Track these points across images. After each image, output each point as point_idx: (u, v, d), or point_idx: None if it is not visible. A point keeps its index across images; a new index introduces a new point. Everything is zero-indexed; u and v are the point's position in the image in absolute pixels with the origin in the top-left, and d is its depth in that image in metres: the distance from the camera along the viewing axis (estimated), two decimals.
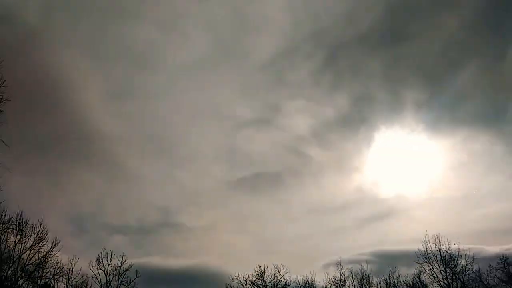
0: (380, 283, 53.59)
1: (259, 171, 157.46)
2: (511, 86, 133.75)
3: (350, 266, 55.02)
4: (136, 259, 58.09)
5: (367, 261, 55.56)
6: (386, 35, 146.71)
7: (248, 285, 56.98)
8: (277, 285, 56.30)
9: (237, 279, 57.23)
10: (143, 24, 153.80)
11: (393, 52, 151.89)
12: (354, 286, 53.93)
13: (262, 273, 57.25)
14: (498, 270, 50.90)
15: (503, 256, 52.13)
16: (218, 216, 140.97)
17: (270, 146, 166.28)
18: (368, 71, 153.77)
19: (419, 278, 51.60)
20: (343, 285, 53.98)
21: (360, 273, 53.73)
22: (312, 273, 56.24)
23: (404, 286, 52.41)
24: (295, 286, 55.77)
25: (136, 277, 53.67)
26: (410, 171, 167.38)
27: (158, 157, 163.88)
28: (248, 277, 57.29)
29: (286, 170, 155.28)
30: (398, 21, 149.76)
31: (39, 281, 48.20)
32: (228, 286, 57.14)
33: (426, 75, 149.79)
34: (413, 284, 51.82)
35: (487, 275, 50.54)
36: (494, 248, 63.11)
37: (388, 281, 52.85)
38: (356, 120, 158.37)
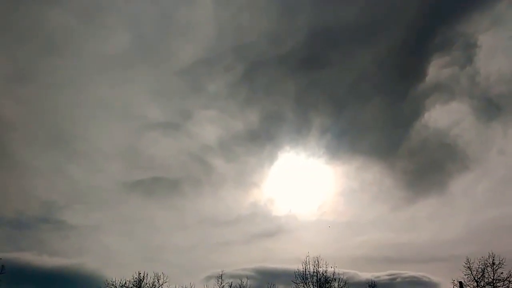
0: None
1: (159, 175, 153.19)
2: (407, 124, 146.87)
3: (231, 281, 54.94)
4: (4, 253, 52.54)
5: (247, 277, 55.98)
6: (304, 60, 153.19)
7: None
8: None
9: (112, 284, 54.12)
10: (61, 9, 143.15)
11: (308, 77, 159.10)
12: None
13: (141, 280, 54.80)
14: None
15: (371, 283, 55.98)
16: (105, 217, 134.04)
17: (174, 152, 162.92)
18: (282, 92, 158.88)
19: None
20: None
21: None
22: (191, 284, 55.13)
23: None
24: None
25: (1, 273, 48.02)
26: (304, 192, 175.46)
27: (52, 148, 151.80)
28: (125, 283, 54.50)
29: (186, 177, 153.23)
30: (318, 49, 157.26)
31: None
32: None
33: (335, 104, 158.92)
34: None
35: None
36: (366, 274, 67.66)
37: None
38: (264, 137, 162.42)
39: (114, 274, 56.31)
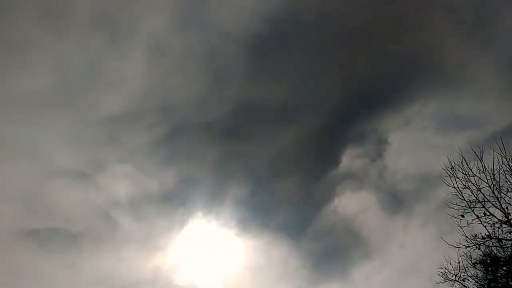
0: None
1: (58, 226, 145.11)
2: (318, 206, 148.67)
3: None
4: None
5: None
6: (228, 130, 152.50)
7: None
8: None
9: None
10: None
11: (230, 147, 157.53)
12: None
13: None
14: None
15: None
16: None
17: (79, 203, 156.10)
18: (201, 157, 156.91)
19: None
20: None
21: None
22: None
23: None
24: None
25: None
26: (211, 263, 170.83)
27: None
28: None
29: (88, 232, 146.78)
30: (242, 122, 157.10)
31: None
32: None
33: (252, 177, 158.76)
34: None
35: None
36: None
37: None
38: (177, 200, 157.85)
39: None
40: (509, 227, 22.06)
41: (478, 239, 22.86)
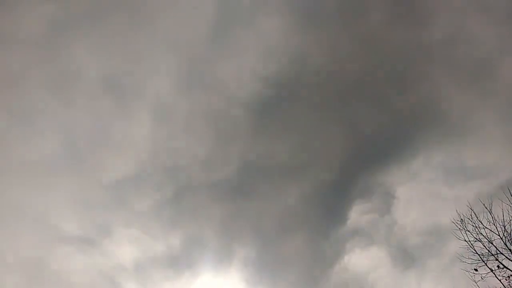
0: None
1: None
2: (328, 264, 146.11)
3: None
4: None
5: None
6: (234, 188, 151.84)
7: None
8: None
9: None
10: None
11: (236, 206, 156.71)
12: None
13: None
14: None
15: None
16: None
17: (84, 269, 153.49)
18: (208, 217, 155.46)
19: None
20: None
21: None
22: None
23: None
24: None
25: None
26: None
27: None
28: None
29: None
30: (248, 180, 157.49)
31: None
32: None
33: (259, 235, 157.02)
34: None
35: None
36: None
37: None
38: (184, 262, 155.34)
39: None
40: None
41: None
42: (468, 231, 22.73)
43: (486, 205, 22.34)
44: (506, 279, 21.51)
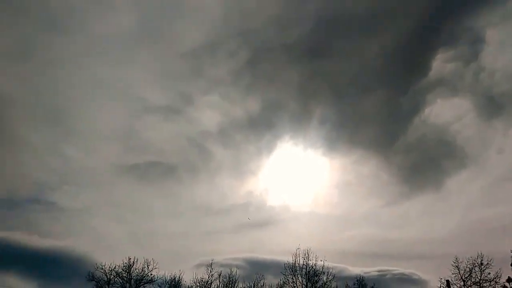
0: None
1: (155, 160, 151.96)
2: (406, 119, 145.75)
3: (220, 270, 55.17)
4: None
5: (237, 267, 56.24)
6: (309, 49, 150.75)
7: (112, 276, 54.33)
8: (142, 279, 54.48)
9: (102, 268, 54.38)
10: None
11: (312, 66, 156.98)
12: None
13: (130, 265, 55.03)
14: None
15: (359, 277, 56.49)
16: (97, 200, 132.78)
17: (173, 137, 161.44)
18: (284, 80, 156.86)
19: None
20: (209, 287, 53.92)
21: (227, 277, 54.13)
22: (181, 271, 55.31)
23: None
24: (161, 283, 54.42)
25: None
26: (299, 183, 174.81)
27: (48, 126, 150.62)
28: (115, 267, 54.76)
29: (184, 163, 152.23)
30: (323, 38, 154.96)
31: None
32: (91, 274, 53.97)
33: (336, 94, 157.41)
34: None
35: None
36: (356, 269, 68.02)
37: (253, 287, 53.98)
38: (264, 125, 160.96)
39: (104, 258, 56.51)
40: None
41: None
42: None
43: None
44: None
